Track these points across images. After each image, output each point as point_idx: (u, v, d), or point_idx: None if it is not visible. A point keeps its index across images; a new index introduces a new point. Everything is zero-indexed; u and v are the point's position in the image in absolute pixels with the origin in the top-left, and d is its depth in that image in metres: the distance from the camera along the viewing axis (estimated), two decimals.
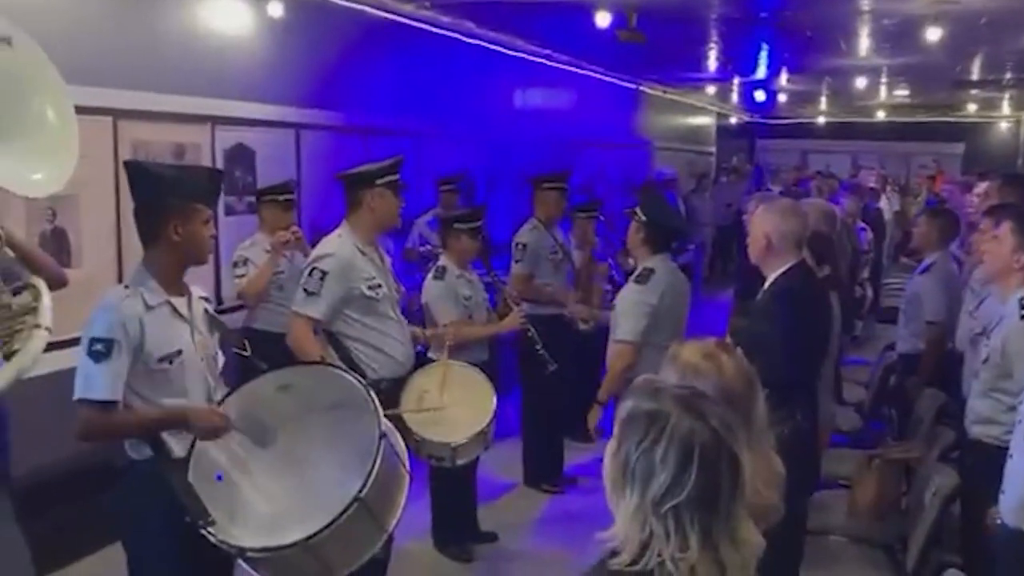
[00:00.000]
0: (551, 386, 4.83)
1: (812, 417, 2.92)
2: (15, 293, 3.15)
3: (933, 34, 6.66)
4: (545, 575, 4.29)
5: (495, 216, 7.20)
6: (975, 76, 10.98)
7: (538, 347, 4.47)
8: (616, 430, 1.44)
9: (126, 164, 2.74)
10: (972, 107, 16.00)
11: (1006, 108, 15.99)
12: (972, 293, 3.95)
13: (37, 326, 3.19)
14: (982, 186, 5.55)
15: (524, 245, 5.22)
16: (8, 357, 3.12)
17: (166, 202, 2.57)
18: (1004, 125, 18.06)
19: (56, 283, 3.27)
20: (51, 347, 3.09)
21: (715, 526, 1.38)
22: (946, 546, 3.28)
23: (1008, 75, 10.86)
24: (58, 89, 3.39)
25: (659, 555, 1.35)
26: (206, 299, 2.81)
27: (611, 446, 1.44)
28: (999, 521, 2.22)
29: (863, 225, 7.88)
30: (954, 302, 4.41)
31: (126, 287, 2.57)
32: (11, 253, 3.14)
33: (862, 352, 7.36)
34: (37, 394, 3.10)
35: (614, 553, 1.42)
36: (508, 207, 7.10)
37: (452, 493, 4.41)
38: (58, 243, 4.12)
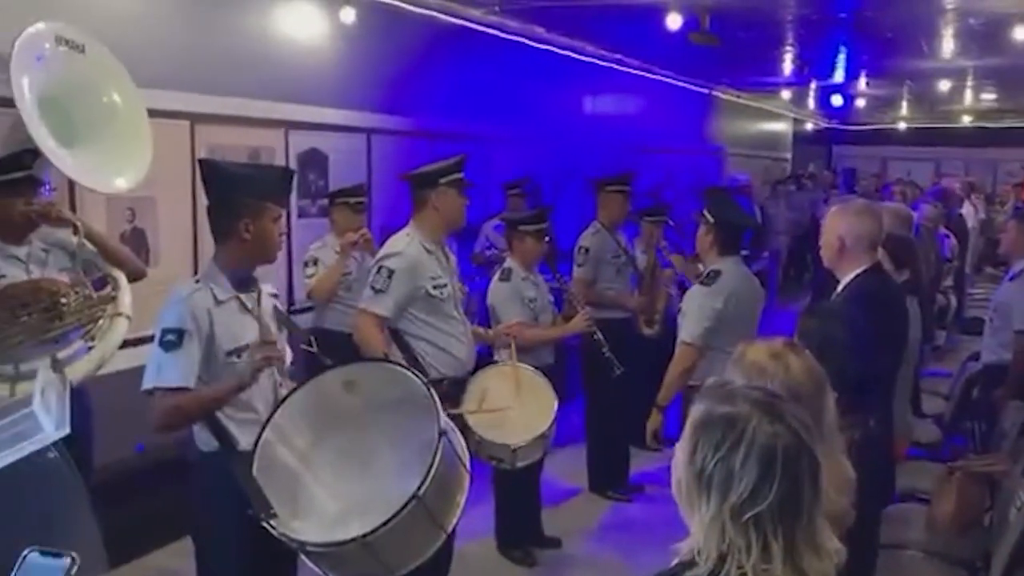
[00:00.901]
0: (616, 391, 4.77)
1: (886, 424, 2.82)
2: (96, 286, 3.31)
3: (1022, 33, 6.39)
4: None
5: (562, 221, 7.18)
6: None
7: (604, 350, 4.42)
8: (688, 435, 1.39)
9: (200, 163, 2.80)
10: None
11: None
12: None
13: (118, 315, 3.32)
14: None
15: (586, 249, 5.18)
16: (90, 345, 3.26)
17: (238, 200, 2.63)
18: None
19: (135, 275, 3.39)
20: (131, 343, 3.22)
21: (798, 534, 1.32)
22: None
23: None
24: (131, 92, 3.53)
25: (740, 567, 1.30)
26: (275, 296, 2.86)
27: (683, 452, 1.39)
28: None
29: (946, 232, 7.60)
30: None
31: (197, 281, 2.63)
32: (90, 246, 3.28)
33: (944, 364, 7.08)
34: (117, 389, 3.21)
35: (688, 564, 1.37)
36: (575, 212, 7.05)
37: (516, 496, 4.39)
38: (137, 243, 4.25)
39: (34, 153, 3.17)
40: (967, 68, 9.74)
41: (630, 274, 5.37)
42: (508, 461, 3.57)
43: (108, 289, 3.31)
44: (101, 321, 3.25)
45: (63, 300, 3.11)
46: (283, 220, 2.74)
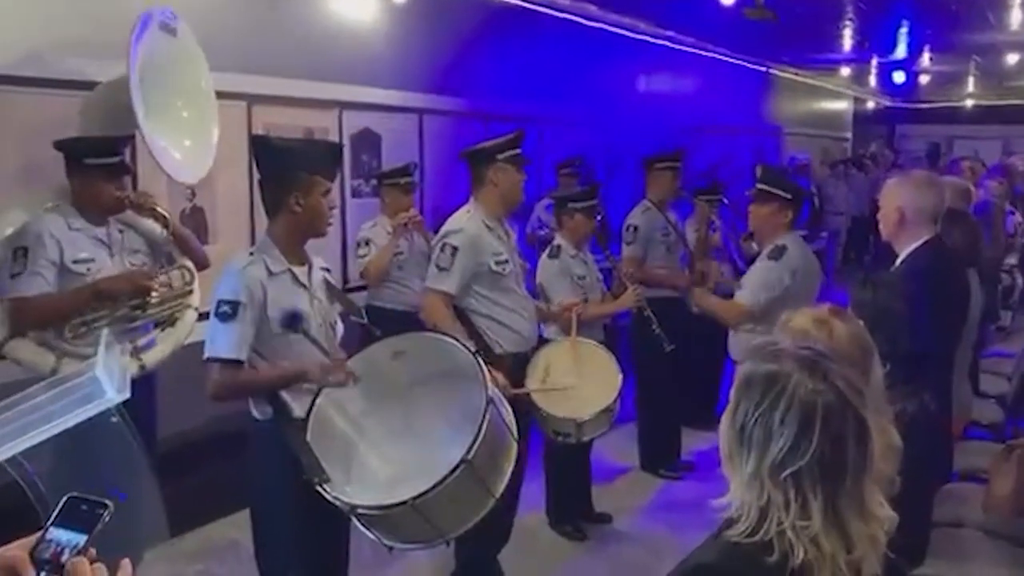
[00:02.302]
0: (666, 369, 4.75)
1: (943, 399, 2.76)
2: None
3: None
4: (658, 558, 4.22)
5: (615, 201, 7.14)
6: None
7: (655, 327, 4.40)
8: (733, 394, 1.39)
9: (253, 138, 2.88)
10: None
11: None
12: None
13: (188, 307, 3.45)
14: None
15: (635, 227, 5.15)
16: (162, 330, 3.38)
17: (289, 174, 2.68)
18: None
19: (201, 265, 3.52)
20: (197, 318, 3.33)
21: (840, 495, 1.31)
22: None
23: None
24: (208, 78, 3.61)
25: (779, 524, 1.30)
26: (327, 270, 2.92)
27: (727, 412, 1.39)
28: None
29: (1011, 209, 7.36)
30: None
31: (251, 254, 2.69)
32: (170, 237, 3.41)
33: (1008, 344, 6.87)
34: (179, 362, 3.32)
35: (731, 523, 1.38)
36: (628, 192, 7.02)
37: (567, 473, 4.42)
38: (196, 220, 4.37)
39: (127, 139, 3.28)
40: None
41: (680, 252, 5.33)
42: (574, 435, 3.60)
43: (183, 280, 3.44)
44: (177, 311, 3.39)
45: (153, 294, 3.25)
46: (333, 194, 2.78)
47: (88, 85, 3.57)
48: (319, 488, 2.51)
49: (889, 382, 1.99)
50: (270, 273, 2.66)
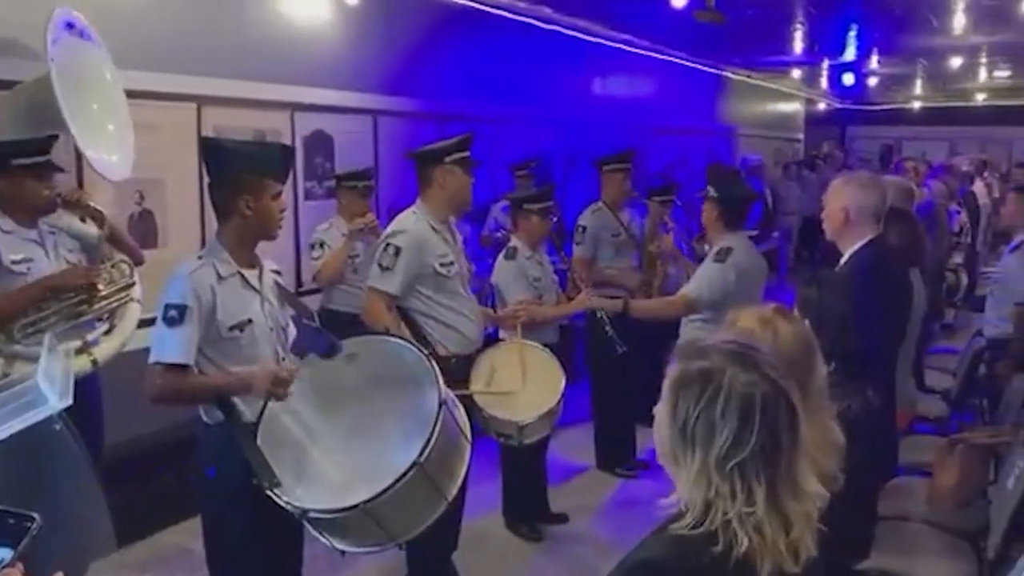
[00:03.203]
0: (620, 369, 4.79)
1: (886, 396, 2.82)
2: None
3: None
4: (614, 558, 4.25)
5: (573, 202, 7.18)
6: None
7: (607, 329, 4.43)
8: (667, 395, 1.42)
9: (202, 140, 2.84)
10: None
11: None
12: None
13: (131, 300, 3.42)
14: None
15: (584, 228, 5.20)
16: (109, 330, 3.34)
17: (239, 177, 2.65)
18: None
19: (136, 262, 3.49)
20: (142, 324, 3.28)
21: (779, 480, 1.35)
22: None
23: None
24: (117, 79, 3.59)
25: (725, 514, 1.33)
26: (277, 272, 2.90)
27: (663, 412, 1.41)
28: None
29: (957, 208, 7.55)
30: None
31: (199, 257, 2.66)
32: (106, 234, 3.36)
33: (954, 341, 7.05)
34: (127, 369, 3.26)
35: (675, 517, 1.40)
36: (585, 193, 7.06)
37: (523, 474, 4.43)
38: (145, 225, 4.31)
39: (53, 138, 3.22)
40: (980, 45, 9.65)
41: (632, 253, 5.37)
42: (516, 438, 3.60)
43: (123, 274, 3.40)
44: (118, 307, 3.35)
45: (99, 288, 3.21)
46: (284, 197, 2.76)
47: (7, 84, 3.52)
48: (270, 493, 2.49)
49: (833, 380, 2.03)
50: (219, 277, 2.63)
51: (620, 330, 4.52)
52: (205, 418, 2.68)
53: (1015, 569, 2.28)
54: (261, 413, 2.61)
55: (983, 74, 12.77)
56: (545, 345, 3.95)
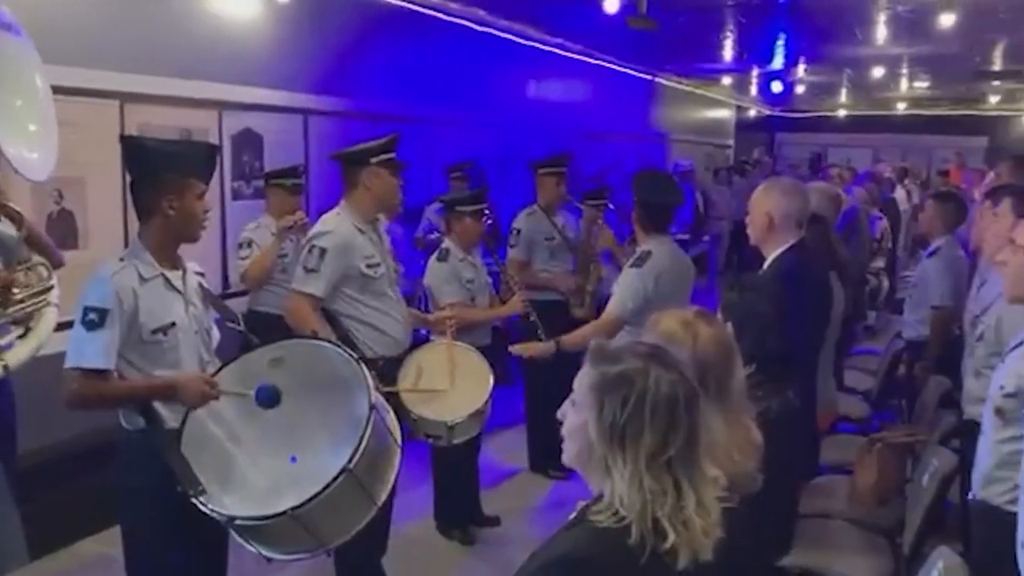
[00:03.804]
0: (553, 371, 4.79)
1: (806, 397, 2.89)
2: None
3: (947, 20, 6.57)
4: None
5: (509, 205, 7.20)
6: (996, 67, 10.83)
7: (539, 332, 4.45)
8: (588, 400, 1.42)
9: (122, 139, 2.76)
10: (994, 99, 15.78)
11: None
12: (978, 276, 3.90)
13: (48, 303, 3.29)
14: (993, 173, 5.47)
15: (519, 231, 5.22)
16: (24, 333, 3.21)
17: (161, 176, 2.59)
18: None
19: (55, 264, 3.36)
20: (59, 327, 3.16)
21: (698, 471, 1.40)
22: (949, 532, 3.24)
23: None
24: (43, 74, 3.46)
25: (654, 514, 1.36)
26: (201, 274, 2.84)
27: (588, 417, 1.42)
28: (971, 496, 2.21)
29: (878, 214, 7.80)
30: (960, 287, 4.35)
31: (121, 259, 2.59)
32: (23, 236, 3.22)
33: (875, 342, 7.29)
34: (46, 372, 3.14)
35: (588, 511, 1.42)
36: (522, 196, 7.09)
37: (454, 477, 4.41)
38: (64, 225, 4.17)
39: None
40: (900, 55, 9.98)
41: (567, 256, 5.41)
42: (445, 438, 3.57)
43: (40, 277, 3.28)
44: (34, 311, 3.23)
45: (15, 291, 3.08)
46: (209, 197, 2.71)
47: None
48: (195, 500, 2.44)
49: (754, 381, 2.08)
50: (142, 279, 2.57)
51: (553, 331, 4.54)
52: (125, 424, 2.61)
53: (928, 564, 2.36)
54: (184, 419, 2.56)
55: (904, 84, 13.22)
56: (478, 347, 3.95)
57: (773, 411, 2.22)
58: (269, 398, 2.53)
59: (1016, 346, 2.14)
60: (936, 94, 14.80)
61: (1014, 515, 1.78)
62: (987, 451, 2.11)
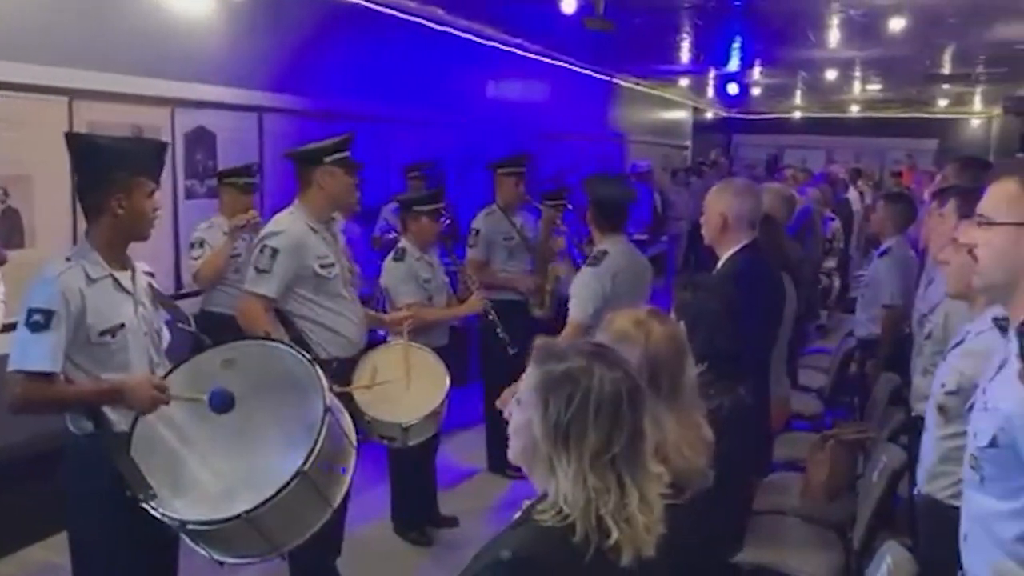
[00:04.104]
0: (512, 371, 4.79)
1: (758, 394, 2.92)
2: None
3: (897, 24, 6.71)
4: None
5: (468, 205, 7.18)
6: (946, 70, 11.08)
7: (498, 330, 4.46)
8: (533, 399, 1.43)
9: (68, 136, 2.69)
10: (944, 102, 16.15)
11: (978, 104, 16.16)
12: (925, 275, 3.98)
13: None
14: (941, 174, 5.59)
15: (478, 231, 5.22)
16: None
17: (109, 175, 2.54)
18: (976, 122, 18.24)
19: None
20: (4, 328, 3.09)
21: (641, 467, 1.41)
22: (899, 527, 3.30)
23: (979, 70, 10.96)
24: None
25: (598, 511, 1.36)
26: (151, 275, 2.79)
27: (533, 416, 1.42)
28: (916, 491, 2.26)
29: (831, 215, 7.93)
30: (910, 286, 4.44)
31: (67, 259, 2.54)
32: None
33: (827, 341, 7.41)
34: None
35: (535, 512, 1.42)
36: (481, 196, 7.09)
37: (411, 478, 4.39)
38: (10, 224, 4.07)
39: None
40: (853, 59, 10.16)
41: (526, 256, 5.41)
42: (400, 440, 3.55)
43: None
44: None
45: None
46: (159, 196, 2.66)
47: None
48: (144, 505, 2.40)
49: (706, 379, 2.10)
50: (89, 279, 2.51)
51: (512, 331, 4.55)
52: (73, 428, 2.56)
53: (877, 558, 2.41)
54: (134, 422, 2.51)
55: (857, 87, 13.47)
56: (436, 347, 3.94)
57: (725, 409, 2.25)
58: (223, 403, 2.49)
59: (957, 344, 2.19)
60: (888, 97, 15.10)
61: (958, 509, 1.82)
62: (931, 447, 2.16)
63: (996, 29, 7.56)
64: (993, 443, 1.63)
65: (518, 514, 1.48)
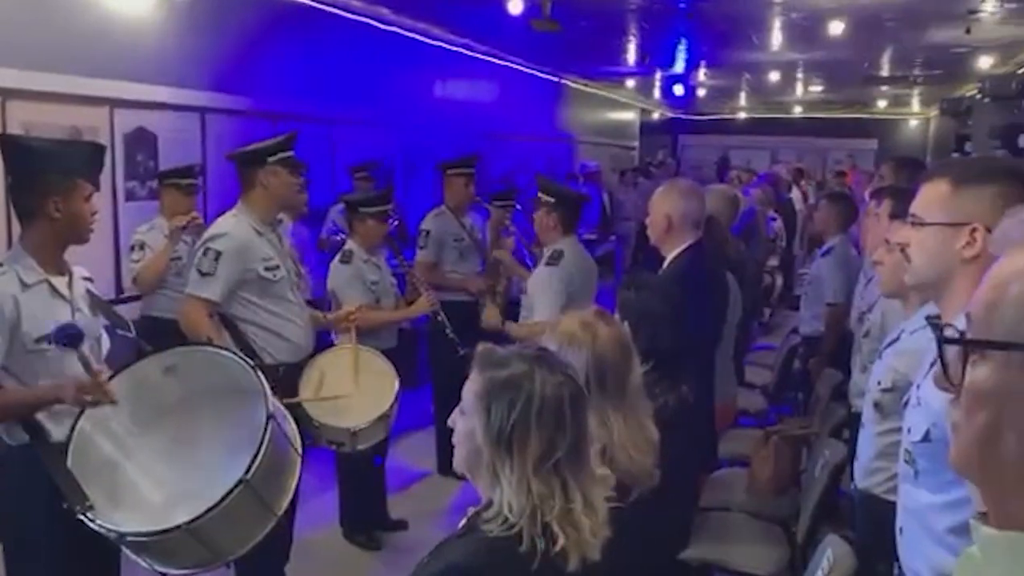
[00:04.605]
0: (461, 373, 4.78)
1: (702, 392, 2.96)
2: None
3: (836, 28, 6.86)
4: None
5: (414, 205, 7.15)
6: (884, 72, 11.36)
7: (447, 331, 4.44)
8: (476, 406, 1.43)
9: (0, 139, 2.62)
10: (883, 104, 16.57)
11: (916, 105, 16.62)
12: (864, 274, 4.07)
13: None
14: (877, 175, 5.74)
15: (428, 232, 5.19)
16: None
17: (45, 178, 2.50)
18: (914, 122, 18.74)
19: None
20: None
21: (585, 471, 1.42)
22: (842, 520, 3.37)
23: (916, 72, 11.26)
24: None
25: (544, 516, 1.36)
26: (89, 279, 2.73)
27: (475, 423, 1.42)
28: (853, 485, 2.32)
29: (774, 215, 8.07)
30: (852, 284, 4.53)
31: (0, 264, 2.47)
32: None
33: (771, 338, 7.55)
34: None
35: (482, 520, 1.41)
36: (430, 196, 7.06)
37: (360, 482, 4.36)
38: None
39: None
40: (796, 61, 10.36)
41: (477, 257, 5.41)
42: (349, 444, 3.51)
43: None
44: None
45: None
46: (96, 198, 2.60)
47: None
48: (82, 517, 2.34)
49: (651, 378, 2.13)
50: (24, 285, 2.45)
51: (461, 332, 4.54)
52: (7, 439, 2.49)
53: (819, 551, 2.46)
54: (71, 432, 2.45)
55: (799, 88, 13.74)
56: (385, 350, 3.90)
57: (670, 407, 2.28)
58: (68, 338, 2.37)
59: (892, 342, 2.24)
60: (829, 98, 15.44)
61: (894, 504, 1.86)
62: (867, 443, 2.21)
63: (932, 33, 7.77)
64: (926, 438, 1.67)
65: (463, 522, 1.47)
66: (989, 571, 0.80)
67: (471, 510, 1.47)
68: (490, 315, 4.08)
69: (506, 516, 1.38)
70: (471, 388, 1.43)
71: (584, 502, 1.38)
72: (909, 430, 1.75)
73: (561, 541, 1.35)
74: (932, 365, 1.76)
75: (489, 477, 1.40)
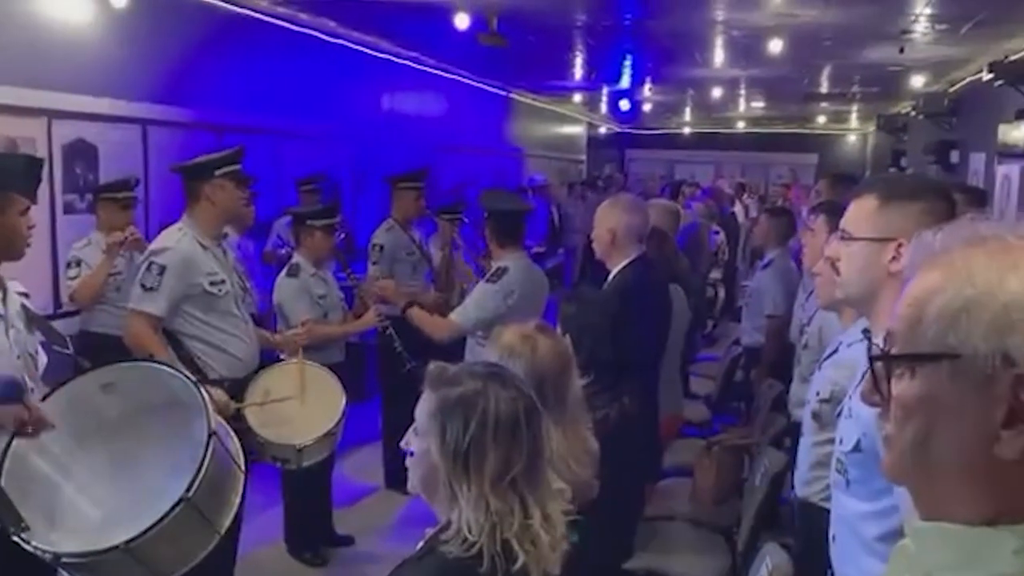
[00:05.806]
0: (410, 387, 4.77)
1: (644, 403, 3.00)
2: None
3: (776, 46, 7.03)
4: None
5: (361, 219, 7.12)
6: (823, 89, 11.65)
7: (396, 345, 4.43)
8: (430, 426, 1.42)
9: None
10: (823, 119, 16.98)
11: (854, 121, 17.07)
12: (804, 287, 4.18)
13: None
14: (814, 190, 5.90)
15: (380, 246, 5.18)
16: None
17: None
18: (852, 138, 19.24)
19: None
20: None
21: (543, 485, 1.42)
22: (783, 528, 3.44)
23: (854, 89, 11.56)
24: None
25: (502, 534, 1.35)
26: (25, 295, 2.67)
27: (431, 443, 1.42)
28: (792, 494, 2.37)
29: (716, 229, 8.22)
30: (792, 297, 4.64)
31: None
32: None
33: (714, 349, 7.67)
34: None
35: (441, 540, 1.41)
36: (376, 210, 7.04)
37: (306, 498, 4.31)
38: None
39: None
40: (738, 77, 10.57)
41: (426, 271, 5.41)
42: (294, 461, 3.48)
43: None
44: None
45: None
46: (34, 212, 2.55)
47: None
48: (16, 538, 2.28)
49: (592, 390, 2.15)
50: None
51: (409, 346, 4.53)
52: None
53: (757, 559, 2.51)
54: (5, 452, 2.39)
55: (742, 104, 14.01)
56: (332, 364, 3.88)
57: (612, 419, 2.32)
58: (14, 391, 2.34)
59: (830, 354, 2.30)
60: (771, 114, 15.76)
61: (830, 512, 1.91)
62: (806, 452, 2.26)
63: (868, 52, 8.00)
64: (857, 447, 1.72)
65: (421, 543, 1.46)
66: (922, 559, 0.83)
67: (429, 531, 1.46)
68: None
69: (465, 536, 1.36)
70: (424, 408, 1.42)
71: (543, 517, 1.38)
72: (841, 440, 1.80)
73: (521, 559, 1.35)
74: (863, 376, 1.82)
75: (447, 497, 1.39)
